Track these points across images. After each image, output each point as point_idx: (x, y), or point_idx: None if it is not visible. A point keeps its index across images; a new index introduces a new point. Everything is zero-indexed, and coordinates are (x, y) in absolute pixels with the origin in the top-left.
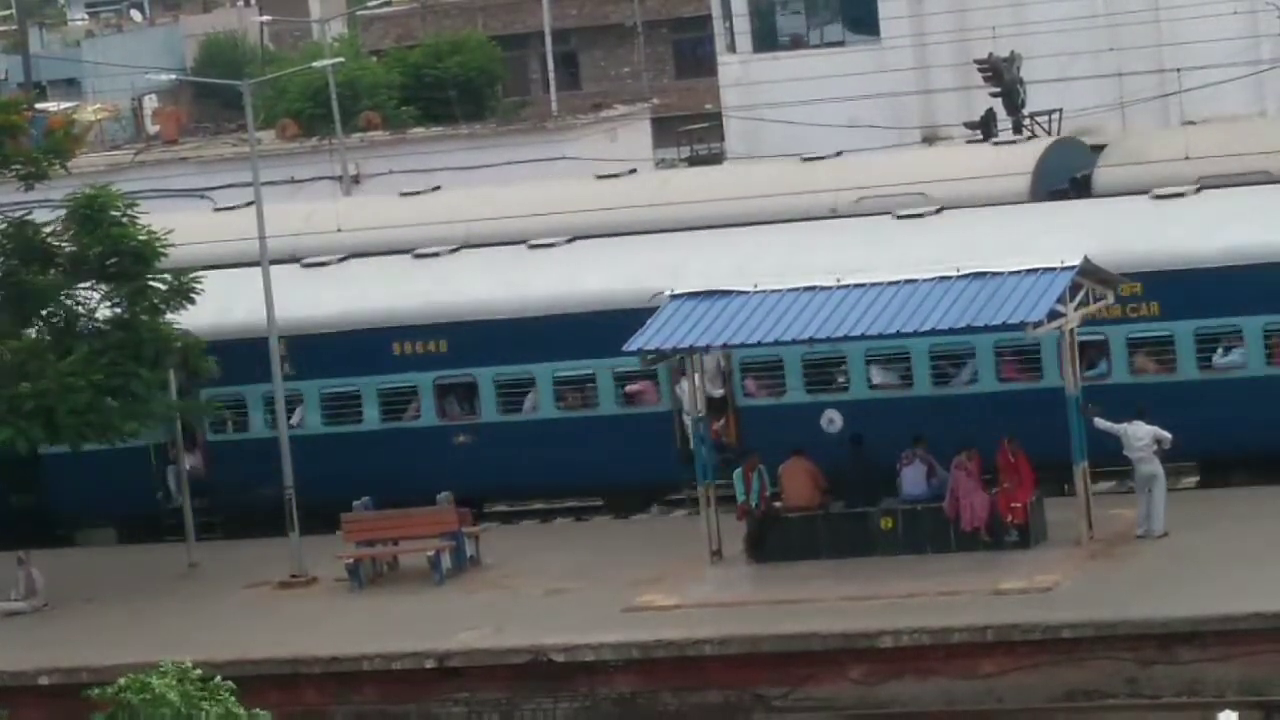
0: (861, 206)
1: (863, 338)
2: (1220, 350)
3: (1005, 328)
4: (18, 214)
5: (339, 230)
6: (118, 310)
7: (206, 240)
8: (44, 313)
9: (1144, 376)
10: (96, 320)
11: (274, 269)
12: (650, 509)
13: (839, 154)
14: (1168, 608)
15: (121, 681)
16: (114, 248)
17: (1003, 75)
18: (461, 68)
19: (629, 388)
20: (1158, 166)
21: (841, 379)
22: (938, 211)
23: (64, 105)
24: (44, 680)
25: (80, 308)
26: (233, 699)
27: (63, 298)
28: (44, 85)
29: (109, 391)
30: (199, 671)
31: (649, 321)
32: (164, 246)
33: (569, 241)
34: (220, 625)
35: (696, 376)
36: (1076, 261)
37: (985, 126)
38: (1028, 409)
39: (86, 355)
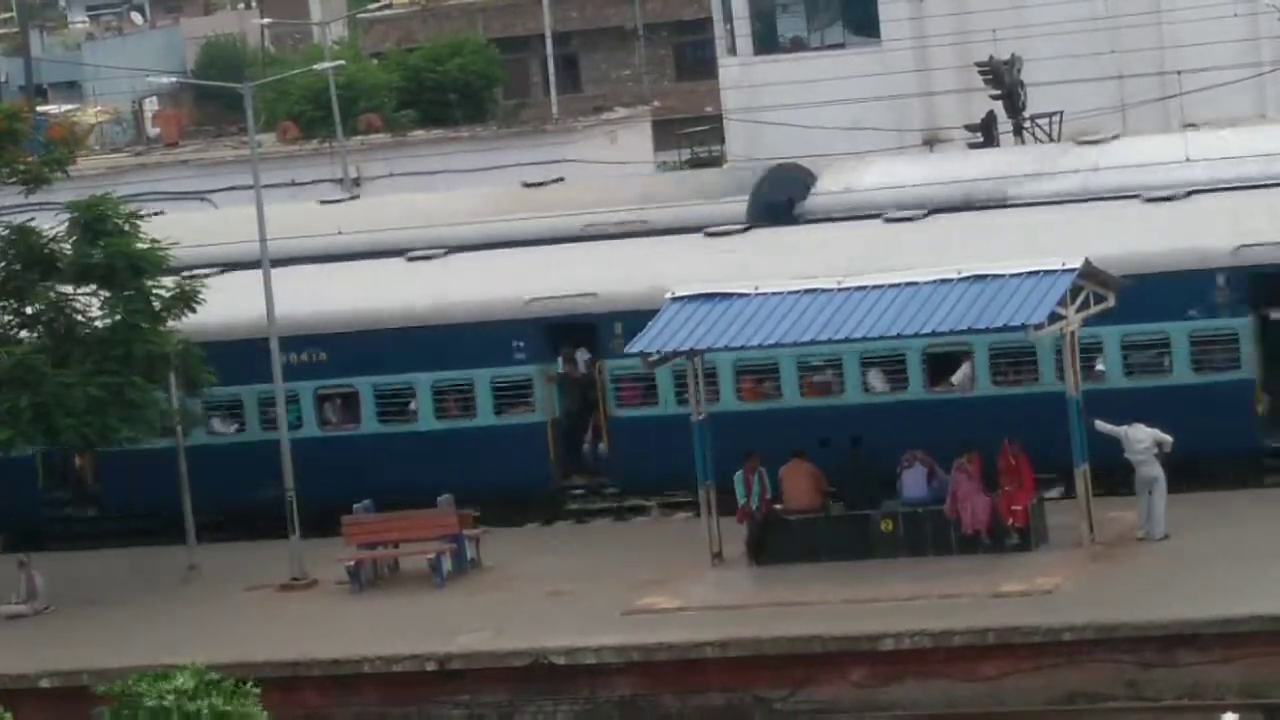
0: None
1: (863, 339)
2: None
3: (1006, 329)
4: (20, 218)
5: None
6: (117, 317)
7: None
8: (43, 319)
9: None
10: (94, 326)
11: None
12: None
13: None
14: (1168, 610)
15: (133, 679)
16: (113, 256)
17: (1003, 78)
18: (462, 70)
19: None
20: None
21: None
22: None
23: (65, 108)
24: (45, 683)
25: (80, 315)
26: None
27: (61, 304)
28: (45, 88)
29: (107, 399)
30: (214, 675)
31: (650, 324)
32: (165, 253)
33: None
34: (221, 627)
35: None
36: (1077, 264)
37: (986, 129)
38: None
39: (83, 365)
